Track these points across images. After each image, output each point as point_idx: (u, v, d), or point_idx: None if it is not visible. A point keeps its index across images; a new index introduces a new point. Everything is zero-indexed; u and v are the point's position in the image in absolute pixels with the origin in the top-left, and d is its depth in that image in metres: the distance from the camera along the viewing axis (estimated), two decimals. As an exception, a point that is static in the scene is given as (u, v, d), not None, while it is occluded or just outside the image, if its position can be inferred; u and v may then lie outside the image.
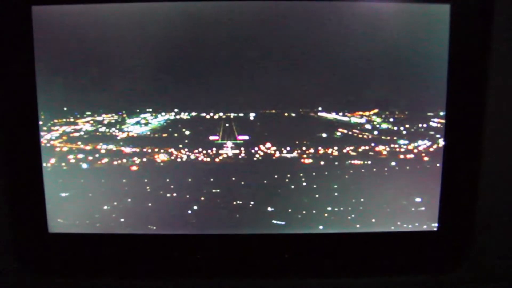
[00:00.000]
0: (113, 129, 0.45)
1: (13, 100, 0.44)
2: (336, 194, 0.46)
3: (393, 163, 0.45)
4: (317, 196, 0.46)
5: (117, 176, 0.45)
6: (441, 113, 0.44)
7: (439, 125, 0.44)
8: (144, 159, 0.45)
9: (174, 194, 0.46)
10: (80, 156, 0.45)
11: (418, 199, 0.46)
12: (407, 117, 0.45)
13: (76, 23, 0.42)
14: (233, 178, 0.46)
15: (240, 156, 0.46)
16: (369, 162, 0.45)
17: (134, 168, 0.45)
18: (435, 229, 0.46)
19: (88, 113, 0.45)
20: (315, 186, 0.46)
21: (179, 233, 0.46)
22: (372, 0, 0.43)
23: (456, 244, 0.47)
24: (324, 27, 0.43)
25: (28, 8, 0.42)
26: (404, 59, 0.44)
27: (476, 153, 0.45)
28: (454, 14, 0.43)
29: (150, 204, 0.46)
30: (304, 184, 0.46)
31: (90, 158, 0.45)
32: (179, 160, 0.45)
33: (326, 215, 0.46)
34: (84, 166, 0.45)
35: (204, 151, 0.45)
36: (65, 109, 0.44)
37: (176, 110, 0.45)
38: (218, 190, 0.46)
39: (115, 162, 0.45)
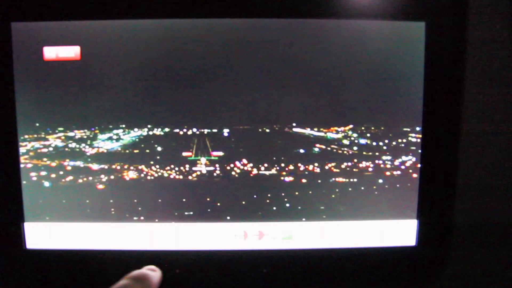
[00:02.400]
0: (83, 144, 0.44)
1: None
2: (324, 216, 0.45)
3: (379, 180, 0.45)
4: (303, 219, 0.45)
5: (82, 195, 0.44)
6: (417, 128, 0.44)
7: (418, 140, 0.44)
8: (112, 177, 0.44)
9: (141, 218, 0.45)
10: (43, 173, 0.45)
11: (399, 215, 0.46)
12: (383, 132, 0.45)
13: (53, 40, 0.43)
14: (208, 199, 0.45)
15: (215, 174, 0.45)
16: (354, 180, 0.45)
17: (101, 186, 0.45)
18: (413, 244, 0.46)
19: (60, 128, 0.44)
20: (299, 207, 0.45)
21: (155, 249, 0.45)
22: (347, 18, 0.43)
23: (434, 259, 0.47)
24: (298, 44, 0.43)
25: (7, 24, 0.43)
26: (379, 75, 0.44)
27: (452, 168, 0.45)
28: (429, 31, 0.43)
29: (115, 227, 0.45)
30: (287, 205, 0.45)
31: (53, 176, 0.44)
32: (149, 177, 0.44)
33: (308, 231, 0.46)
34: (47, 184, 0.45)
35: (177, 168, 0.44)
36: (37, 124, 0.44)
37: (149, 126, 0.44)
38: (191, 213, 0.45)
39: (80, 180, 0.44)
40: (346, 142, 0.45)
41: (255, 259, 0.46)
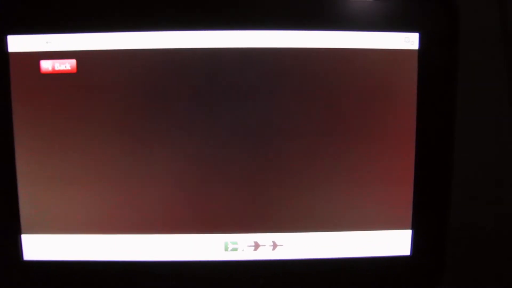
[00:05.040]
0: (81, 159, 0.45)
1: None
2: (317, 226, 0.46)
3: (373, 190, 0.45)
4: (295, 230, 0.46)
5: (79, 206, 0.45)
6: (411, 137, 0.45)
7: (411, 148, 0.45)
8: (111, 187, 0.44)
9: (140, 229, 0.45)
10: (41, 186, 0.45)
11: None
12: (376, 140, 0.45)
13: (50, 53, 0.43)
14: (205, 209, 0.45)
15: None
16: (348, 190, 0.45)
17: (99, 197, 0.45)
18: (408, 253, 0.46)
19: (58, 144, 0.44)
20: (291, 217, 0.46)
21: (155, 260, 0.46)
22: (340, 29, 0.44)
23: (429, 268, 0.47)
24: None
25: (3, 37, 0.43)
26: (372, 91, 0.44)
27: (446, 179, 0.46)
28: (423, 43, 0.44)
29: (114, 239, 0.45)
30: (280, 215, 0.46)
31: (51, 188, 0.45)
32: (149, 188, 0.45)
33: (301, 241, 0.46)
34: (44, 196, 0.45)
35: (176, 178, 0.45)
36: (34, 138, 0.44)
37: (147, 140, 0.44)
38: (185, 223, 0.46)
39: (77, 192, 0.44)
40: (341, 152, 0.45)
41: (251, 270, 0.46)
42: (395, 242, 0.46)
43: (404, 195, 0.45)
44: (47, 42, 0.43)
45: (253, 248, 0.46)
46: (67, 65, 0.44)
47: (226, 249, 0.46)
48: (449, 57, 0.44)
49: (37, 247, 0.46)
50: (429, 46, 0.44)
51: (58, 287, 0.47)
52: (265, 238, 0.46)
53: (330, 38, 0.44)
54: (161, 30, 0.43)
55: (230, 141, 0.44)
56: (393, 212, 0.46)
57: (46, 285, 0.47)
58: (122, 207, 0.45)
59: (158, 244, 0.46)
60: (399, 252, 0.46)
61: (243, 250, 0.46)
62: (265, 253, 0.46)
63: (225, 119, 0.44)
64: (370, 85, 0.44)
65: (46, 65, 0.43)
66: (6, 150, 0.44)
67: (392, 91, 0.45)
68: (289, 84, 0.44)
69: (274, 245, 0.46)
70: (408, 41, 0.44)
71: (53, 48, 0.43)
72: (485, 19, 0.44)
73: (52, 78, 0.44)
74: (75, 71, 0.43)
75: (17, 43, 0.43)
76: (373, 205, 0.45)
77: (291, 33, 0.43)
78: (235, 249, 0.46)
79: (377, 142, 0.45)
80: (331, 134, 0.45)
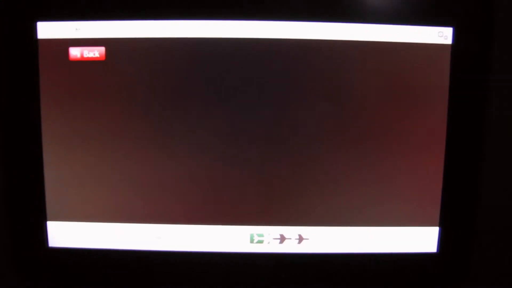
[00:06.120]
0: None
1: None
2: (343, 221, 0.45)
3: (400, 185, 0.45)
4: (321, 224, 0.45)
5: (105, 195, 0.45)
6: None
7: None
8: (135, 175, 0.44)
9: (167, 219, 0.45)
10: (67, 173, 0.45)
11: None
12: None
13: (79, 40, 0.43)
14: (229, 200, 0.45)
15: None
16: (375, 185, 0.45)
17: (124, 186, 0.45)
18: (435, 250, 0.46)
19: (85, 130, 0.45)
20: (317, 212, 0.45)
21: (180, 250, 0.46)
22: (371, 22, 0.43)
23: (456, 266, 0.47)
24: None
25: (33, 23, 0.43)
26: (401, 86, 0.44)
27: (476, 177, 0.45)
28: (457, 37, 0.43)
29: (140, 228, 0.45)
30: (306, 209, 0.45)
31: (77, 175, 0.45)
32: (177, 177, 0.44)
33: (324, 234, 0.46)
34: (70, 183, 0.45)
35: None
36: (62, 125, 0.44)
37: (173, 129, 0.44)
38: (212, 215, 0.45)
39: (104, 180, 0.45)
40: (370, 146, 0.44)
41: (276, 263, 0.46)
42: (422, 239, 0.46)
43: (433, 192, 0.45)
44: (76, 29, 0.43)
45: (279, 240, 0.46)
46: (96, 52, 0.43)
47: (251, 241, 0.46)
48: (485, 53, 0.43)
49: (63, 234, 0.46)
50: (464, 41, 0.43)
51: (82, 274, 0.47)
52: (291, 231, 0.46)
53: (358, 30, 0.43)
54: (192, 19, 0.43)
55: (257, 133, 0.44)
56: (421, 209, 0.45)
57: (71, 272, 0.47)
58: (148, 196, 0.45)
59: (183, 234, 0.46)
60: (426, 249, 0.46)
61: (268, 243, 0.46)
62: (291, 246, 0.46)
63: (253, 110, 0.44)
64: (400, 80, 0.43)
65: (75, 52, 0.43)
66: (34, 138, 0.44)
67: (423, 87, 0.44)
68: (313, 77, 0.43)
69: (300, 238, 0.46)
70: (441, 35, 0.43)
71: (82, 35, 0.43)
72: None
73: (80, 66, 0.43)
74: (103, 58, 0.43)
75: (47, 30, 0.43)
76: (401, 201, 0.45)
77: (316, 25, 0.42)
78: (260, 241, 0.46)
79: (406, 137, 0.44)
80: (360, 129, 0.44)
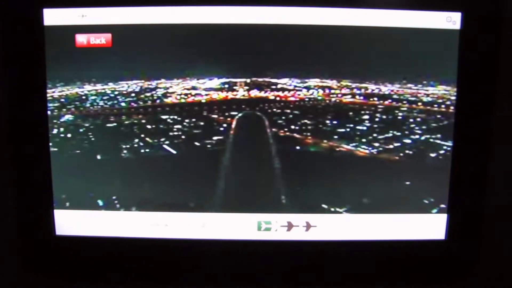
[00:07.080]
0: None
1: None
2: (350, 209, 0.45)
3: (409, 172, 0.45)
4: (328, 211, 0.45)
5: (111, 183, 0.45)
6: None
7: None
8: (140, 163, 0.45)
9: (175, 207, 0.46)
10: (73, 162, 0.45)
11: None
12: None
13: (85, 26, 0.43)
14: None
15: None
16: (382, 173, 0.45)
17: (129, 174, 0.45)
18: (443, 238, 0.46)
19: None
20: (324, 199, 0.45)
21: (187, 238, 0.46)
22: (379, 7, 0.43)
23: (463, 254, 0.46)
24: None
25: (40, 10, 0.42)
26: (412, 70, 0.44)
27: (484, 165, 0.45)
28: (465, 23, 0.43)
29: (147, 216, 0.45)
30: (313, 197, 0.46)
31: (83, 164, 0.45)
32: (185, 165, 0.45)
33: (333, 222, 0.46)
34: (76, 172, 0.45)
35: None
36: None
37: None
38: (223, 202, 0.45)
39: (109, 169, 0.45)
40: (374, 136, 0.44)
41: (284, 250, 0.46)
42: (430, 226, 0.45)
43: (441, 179, 0.44)
44: (82, 16, 0.43)
45: (286, 228, 0.45)
46: (102, 39, 0.43)
47: (259, 229, 0.46)
48: (493, 39, 0.43)
49: (69, 222, 0.46)
50: (472, 27, 0.43)
51: (89, 262, 0.47)
52: (298, 219, 0.45)
53: (365, 16, 0.43)
54: (198, 4, 0.42)
55: (264, 120, 0.44)
56: (429, 196, 0.45)
57: (77, 260, 0.47)
58: (155, 184, 0.45)
59: (191, 222, 0.46)
60: (434, 236, 0.45)
61: (276, 230, 0.45)
62: (299, 234, 0.46)
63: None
64: (407, 65, 0.43)
65: (81, 39, 0.43)
66: (40, 125, 0.44)
67: (431, 73, 0.43)
68: (323, 62, 0.43)
69: (308, 226, 0.45)
70: (450, 20, 0.43)
71: (88, 22, 0.43)
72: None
73: (87, 52, 0.43)
74: (110, 45, 0.43)
75: (53, 17, 0.43)
76: (409, 188, 0.45)
77: (324, 10, 0.42)
78: (268, 229, 0.46)
79: (414, 124, 0.44)
80: (366, 115, 0.44)
